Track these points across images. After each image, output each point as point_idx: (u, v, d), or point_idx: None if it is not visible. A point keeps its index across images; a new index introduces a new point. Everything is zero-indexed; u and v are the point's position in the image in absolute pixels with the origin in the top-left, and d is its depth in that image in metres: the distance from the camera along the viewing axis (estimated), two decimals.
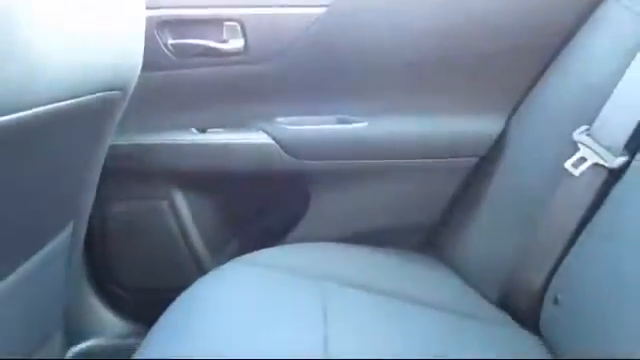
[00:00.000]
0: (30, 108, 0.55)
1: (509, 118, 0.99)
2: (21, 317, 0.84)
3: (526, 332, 0.84)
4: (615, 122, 0.80)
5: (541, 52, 0.96)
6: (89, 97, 0.68)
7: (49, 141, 0.69)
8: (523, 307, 0.86)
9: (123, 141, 0.96)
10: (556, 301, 0.80)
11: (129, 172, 1.01)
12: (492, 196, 0.98)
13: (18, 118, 0.54)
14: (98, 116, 0.77)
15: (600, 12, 0.91)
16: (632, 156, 0.77)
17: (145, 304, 1.05)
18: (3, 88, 0.50)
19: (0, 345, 0.80)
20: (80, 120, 0.72)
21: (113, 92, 0.75)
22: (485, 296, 0.92)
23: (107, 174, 0.89)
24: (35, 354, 0.92)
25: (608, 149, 0.79)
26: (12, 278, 0.74)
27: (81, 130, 0.76)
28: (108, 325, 1.14)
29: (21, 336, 0.87)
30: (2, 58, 0.49)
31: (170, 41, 0.96)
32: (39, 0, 0.55)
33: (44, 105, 0.59)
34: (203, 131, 1.03)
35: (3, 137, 0.54)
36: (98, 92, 0.70)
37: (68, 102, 0.63)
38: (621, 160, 0.77)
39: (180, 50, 0.96)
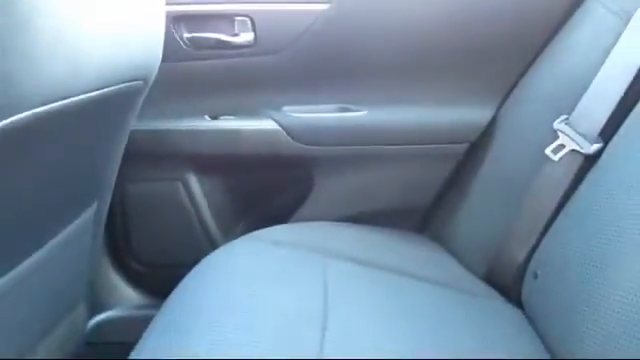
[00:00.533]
0: (68, 98, 0.63)
1: (498, 108, 1.06)
2: (49, 288, 0.91)
3: (509, 304, 0.91)
4: (591, 112, 0.87)
5: (528, 47, 1.03)
6: (115, 87, 0.76)
7: (80, 128, 0.76)
8: (507, 282, 0.93)
9: (142, 126, 1.03)
10: (535, 276, 0.87)
11: (147, 155, 1.08)
12: (481, 180, 1.05)
13: (58, 106, 0.62)
14: (122, 105, 0.84)
15: (582, 10, 0.98)
16: (606, 143, 0.84)
17: (160, 278, 1.12)
18: (51, 81, 0.58)
19: (29, 314, 0.87)
20: (107, 109, 0.79)
21: (136, 82, 0.82)
22: (473, 272, 0.99)
23: (127, 157, 0.95)
24: (60, 323, 0.99)
25: (584, 137, 0.86)
26: (42, 252, 0.81)
27: (107, 117, 0.84)
28: (125, 297, 1.22)
29: (49, 306, 0.94)
30: (50, 54, 0.56)
31: (185, 35, 1.03)
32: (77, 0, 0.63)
33: (78, 95, 0.66)
34: (215, 118, 1.10)
35: (44, 124, 0.62)
36: (124, 83, 0.78)
37: (98, 92, 0.71)
38: (596, 147, 0.84)
39: (195, 43, 1.04)
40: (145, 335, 0.76)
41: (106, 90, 0.74)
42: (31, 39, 0.52)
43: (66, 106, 0.64)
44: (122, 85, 0.77)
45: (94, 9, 0.67)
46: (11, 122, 0.53)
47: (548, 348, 0.79)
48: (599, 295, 0.72)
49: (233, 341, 0.67)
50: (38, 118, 0.59)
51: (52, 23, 0.55)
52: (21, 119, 0.55)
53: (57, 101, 0.60)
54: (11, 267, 0.73)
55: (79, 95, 0.66)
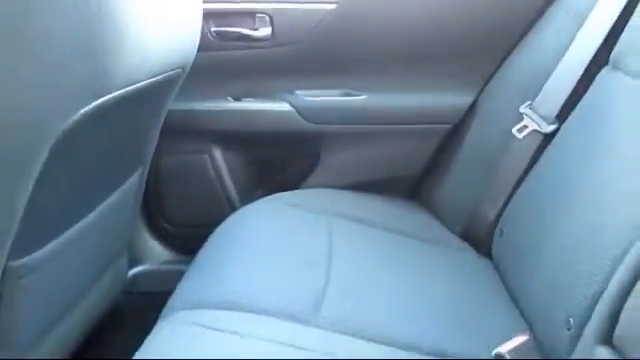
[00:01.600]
0: (137, 83, 0.80)
1: (477, 95, 1.24)
2: (99, 242, 1.06)
3: (480, 256, 1.08)
4: (550, 99, 1.04)
5: (503, 43, 1.21)
6: (166, 74, 0.93)
7: (136, 109, 0.93)
8: (480, 238, 1.10)
9: (175, 107, 1.18)
10: (502, 233, 1.05)
11: (178, 132, 1.24)
12: (461, 155, 1.23)
13: (128, 90, 0.79)
14: (167, 89, 1.01)
15: (547, 14, 1.16)
16: (560, 124, 1.01)
17: (188, 237, 1.30)
18: (128, 68, 0.75)
19: (83, 265, 1.02)
20: (156, 93, 0.96)
21: (179, 70, 1.00)
22: (452, 230, 1.17)
23: (161, 133, 1.12)
24: (105, 273, 1.14)
25: (544, 119, 1.03)
26: (94, 213, 0.95)
27: (154, 100, 1.00)
28: (157, 254, 1.38)
29: (98, 258, 1.10)
30: (128, 47, 0.74)
31: (213, 28, 1.21)
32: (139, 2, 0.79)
33: (142, 81, 0.84)
34: (237, 100, 1.28)
35: (116, 106, 0.79)
36: (172, 70, 0.95)
37: (154, 79, 0.88)
38: (552, 127, 1.01)
39: (220, 36, 1.22)
40: (184, 279, 0.92)
41: (159, 77, 0.91)
42: (120, 36, 0.70)
43: (133, 90, 0.82)
44: (171, 72, 0.95)
45: (151, 8, 0.84)
46: (101, 102, 0.71)
47: (508, 291, 0.97)
48: (548, 246, 0.90)
49: (258, 280, 0.85)
50: (114, 101, 0.77)
51: (126, 20, 0.72)
52: (107, 100, 0.73)
53: (130, 86, 0.78)
54: (70, 225, 0.88)
55: (143, 81, 0.84)
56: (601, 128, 0.89)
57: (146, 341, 0.70)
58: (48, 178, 0.68)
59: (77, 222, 0.87)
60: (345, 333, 0.72)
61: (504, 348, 0.73)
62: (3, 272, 0.70)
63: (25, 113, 0.62)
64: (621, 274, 0.64)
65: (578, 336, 0.68)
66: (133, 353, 0.75)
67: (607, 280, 0.66)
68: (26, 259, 0.74)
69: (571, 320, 0.71)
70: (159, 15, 0.86)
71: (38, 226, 0.73)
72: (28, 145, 0.64)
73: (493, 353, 0.73)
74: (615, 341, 0.62)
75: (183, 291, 0.83)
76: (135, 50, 0.76)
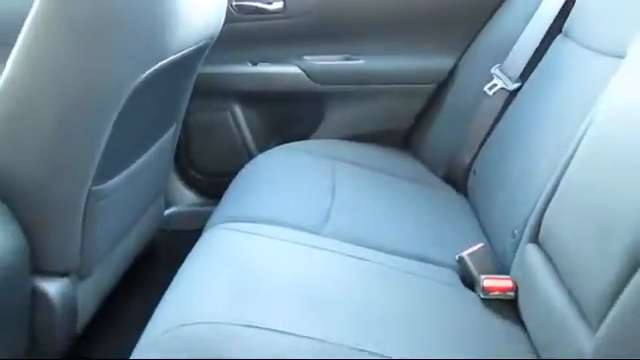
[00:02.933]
0: (183, 50, 1.01)
1: (458, 59, 1.44)
2: (147, 181, 1.25)
3: (458, 194, 1.29)
4: (515, 61, 1.23)
5: (481, 13, 1.40)
6: (202, 43, 1.13)
7: (177, 74, 1.13)
8: (458, 178, 1.31)
9: (202, 71, 1.35)
10: (474, 173, 1.27)
11: (205, 92, 1.42)
12: (444, 110, 1.43)
13: (175, 57, 1.00)
14: (199, 56, 1.20)
15: None
16: (523, 82, 1.21)
17: (212, 183, 1.52)
18: (177, 38, 0.95)
19: (135, 200, 1.20)
20: (190, 59, 1.15)
21: (208, 40, 1.20)
22: (436, 174, 1.37)
23: (191, 93, 1.31)
24: (149, 209, 1.34)
25: (510, 78, 1.23)
26: (143, 158, 1.14)
27: (189, 66, 1.20)
28: (186, 198, 1.59)
29: (146, 194, 1.29)
30: (179, 19, 0.93)
31: (234, 3, 1.40)
32: None
33: (186, 49, 1.04)
34: (255, 64, 1.48)
35: (165, 72, 0.98)
36: (203, 40, 1.15)
37: (193, 47, 1.09)
38: (516, 85, 1.21)
39: (240, 9, 1.42)
40: (220, 205, 1.12)
41: (196, 45, 1.12)
42: (174, 14, 0.90)
43: (179, 57, 1.03)
44: (204, 41, 1.15)
45: None
46: (158, 66, 0.93)
47: (477, 218, 1.18)
48: (507, 180, 1.09)
49: (278, 203, 1.07)
50: (165, 67, 0.98)
51: (177, 1, 0.92)
52: (161, 65, 0.95)
53: (177, 53, 0.99)
54: (130, 164, 1.08)
55: (186, 49, 1.04)
56: (552, 87, 1.10)
57: (196, 245, 0.93)
58: (121, 124, 0.90)
59: (133, 162, 1.09)
60: (344, 240, 0.95)
61: (465, 252, 0.96)
62: (88, 195, 0.92)
63: (110, 75, 0.84)
64: (546, 194, 0.86)
65: (518, 241, 0.91)
66: (166, 281, 0.90)
67: (536, 200, 0.89)
68: (103, 186, 0.96)
69: (515, 231, 0.94)
70: None
71: (111, 160, 0.95)
72: (111, 98, 0.86)
73: (456, 257, 0.96)
74: (539, 240, 0.85)
75: (221, 211, 1.05)
76: (183, 24, 0.97)
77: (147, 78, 0.91)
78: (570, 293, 0.70)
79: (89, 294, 1.06)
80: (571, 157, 0.84)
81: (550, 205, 0.83)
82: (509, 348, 0.76)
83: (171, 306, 0.74)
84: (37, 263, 0.91)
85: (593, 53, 1.00)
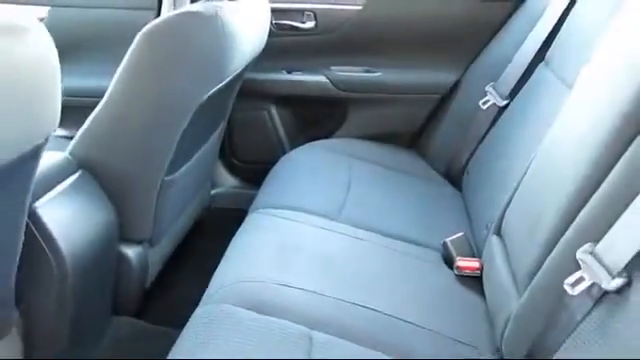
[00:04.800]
0: (239, 69, 1.27)
1: (461, 74, 1.69)
2: (201, 170, 1.50)
3: (454, 190, 1.54)
4: (506, 81, 1.46)
5: (482, 37, 1.66)
6: (250, 60, 1.39)
7: (228, 86, 1.38)
8: (455, 176, 1.56)
9: (246, 76, 1.58)
10: (468, 173, 1.53)
11: (246, 95, 1.65)
12: (447, 117, 1.68)
13: (229, 78, 1.27)
14: (247, 69, 1.47)
15: (514, 18, 1.60)
16: (511, 100, 1.45)
17: (249, 170, 1.81)
18: (237, 59, 1.21)
19: (193, 185, 1.45)
20: (241, 72, 1.42)
21: (256, 55, 1.46)
22: (439, 172, 1.63)
23: (236, 95, 1.59)
24: (200, 190, 1.61)
25: (500, 96, 1.47)
26: (200, 150, 1.40)
27: (238, 77, 1.44)
28: (228, 181, 1.87)
29: (199, 180, 1.53)
30: (233, 50, 1.18)
31: (274, 21, 1.67)
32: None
33: (241, 67, 1.30)
34: (289, 72, 1.74)
35: (224, 88, 1.25)
36: (253, 56, 1.41)
37: (244, 65, 1.35)
38: (505, 102, 1.44)
39: (279, 27, 1.68)
40: (261, 193, 1.39)
41: (247, 62, 1.38)
42: (235, 42, 1.15)
43: (235, 76, 1.29)
44: (254, 57, 1.41)
45: (246, 17, 1.26)
46: (221, 84, 1.20)
47: (466, 211, 1.45)
48: (489, 180, 1.33)
49: (305, 194, 1.35)
50: (225, 85, 1.25)
51: (236, 31, 1.17)
52: (223, 83, 1.22)
53: (235, 72, 1.26)
54: (191, 157, 1.35)
55: (241, 67, 1.31)
56: (529, 108, 1.34)
57: (242, 225, 1.22)
58: (187, 129, 1.19)
59: (193, 156, 1.38)
60: (354, 225, 1.23)
61: (448, 239, 1.22)
62: (161, 183, 1.22)
63: (182, 97, 1.12)
64: (509, 195, 1.12)
65: (489, 232, 1.18)
66: (211, 248, 1.18)
67: (505, 200, 1.15)
68: (171, 176, 1.25)
69: (488, 224, 1.20)
70: (251, 18, 1.31)
71: (178, 156, 1.24)
72: (182, 113, 1.14)
73: (441, 241, 1.23)
74: (501, 232, 1.11)
75: (261, 199, 1.34)
76: (240, 49, 1.22)
77: (210, 95, 1.19)
78: (511, 271, 0.97)
79: (156, 258, 1.36)
80: (528, 167, 1.10)
81: (509, 205, 1.10)
82: (469, 311, 1.04)
83: (228, 269, 1.04)
84: (122, 233, 1.21)
85: (561, 84, 1.24)
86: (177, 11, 1.13)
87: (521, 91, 1.43)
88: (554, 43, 1.38)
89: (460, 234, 1.24)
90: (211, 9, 1.07)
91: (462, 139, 1.57)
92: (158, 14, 1.74)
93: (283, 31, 1.69)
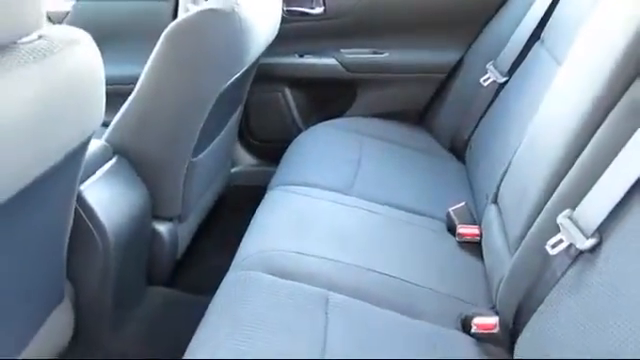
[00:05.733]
0: (255, 57, 1.38)
1: (463, 53, 1.78)
2: (221, 150, 1.61)
3: (459, 163, 1.65)
4: (504, 59, 1.55)
5: (483, 17, 1.73)
6: (265, 46, 1.50)
7: (245, 73, 1.50)
8: (459, 150, 1.66)
9: (261, 61, 1.69)
10: (470, 147, 1.64)
11: (262, 77, 1.75)
12: (451, 95, 1.77)
13: (249, 65, 1.38)
14: (262, 54, 1.58)
15: None
16: (509, 77, 1.55)
17: (265, 148, 1.93)
18: (253, 49, 1.32)
19: (215, 164, 1.56)
20: (257, 59, 1.53)
21: (269, 41, 1.56)
22: (444, 146, 1.73)
23: (252, 79, 1.71)
24: (223, 168, 1.74)
25: (500, 73, 1.57)
26: (221, 133, 1.52)
27: (254, 63, 1.56)
28: (247, 161, 1.98)
29: (221, 159, 1.65)
30: (249, 42, 1.29)
31: (285, 8, 1.76)
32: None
33: (256, 56, 1.41)
34: (301, 56, 1.84)
35: (241, 78, 1.36)
36: (268, 43, 1.52)
37: (259, 53, 1.46)
38: (504, 79, 1.54)
39: (290, 13, 1.77)
40: (278, 171, 1.50)
41: (262, 49, 1.49)
42: (251, 36, 1.26)
43: (251, 64, 1.40)
44: (267, 43, 1.52)
45: (260, 8, 1.35)
46: (239, 75, 1.31)
47: (469, 184, 1.55)
48: (489, 153, 1.44)
49: (319, 170, 1.46)
50: (242, 73, 1.36)
51: (252, 24, 1.26)
52: (241, 73, 1.33)
53: (251, 61, 1.37)
54: (211, 142, 1.46)
55: (257, 56, 1.42)
56: (525, 85, 1.43)
57: (263, 201, 1.35)
58: (210, 115, 1.30)
59: (215, 139, 1.50)
60: (365, 199, 1.34)
61: (451, 209, 1.34)
62: (188, 165, 1.34)
63: (205, 88, 1.23)
64: (506, 167, 1.23)
65: (487, 202, 1.29)
66: (233, 222, 1.32)
67: (504, 173, 1.26)
68: (197, 158, 1.37)
69: (488, 194, 1.31)
70: (265, 10, 1.40)
71: (202, 140, 1.35)
72: (205, 101, 1.25)
73: (447, 210, 1.34)
74: (497, 201, 1.23)
75: (279, 177, 1.45)
76: (255, 40, 1.32)
77: (229, 84, 1.31)
78: (505, 236, 1.09)
79: (184, 233, 1.49)
80: (522, 141, 1.20)
81: (505, 176, 1.21)
82: (469, 273, 1.16)
83: (252, 240, 1.16)
84: (154, 212, 1.34)
85: (553, 62, 1.33)
86: (197, 9, 1.23)
87: (518, 69, 1.51)
88: (549, 23, 1.46)
89: (462, 204, 1.35)
90: (228, 6, 1.18)
91: (465, 115, 1.67)
92: (175, 4, 1.85)
93: (294, 17, 1.78)
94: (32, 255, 0.95)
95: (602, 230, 0.81)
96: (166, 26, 1.20)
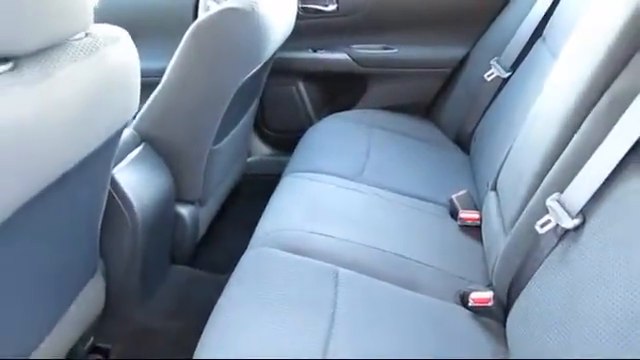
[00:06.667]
0: (269, 56, 1.48)
1: (469, 49, 1.86)
2: (240, 140, 1.71)
3: (464, 154, 1.74)
4: (508, 56, 1.63)
5: (488, 14, 1.81)
6: (282, 42, 1.60)
7: (262, 66, 1.61)
8: (464, 142, 1.75)
9: (276, 55, 1.84)
10: (475, 139, 1.73)
11: (277, 71, 1.82)
12: (456, 89, 1.86)
13: (266, 60, 1.48)
14: (277, 49, 1.68)
15: None
16: (513, 73, 1.64)
17: (280, 139, 2.02)
18: (268, 50, 1.42)
19: (234, 151, 1.66)
20: (274, 53, 1.63)
21: (286, 37, 1.66)
22: (450, 138, 1.82)
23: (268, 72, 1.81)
24: (240, 157, 1.86)
25: (504, 68, 1.66)
26: (239, 123, 1.63)
27: (271, 57, 1.66)
28: (262, 151, 2.09)
29: (240, 148, 1.75)
30: (268, 37, 1.39)
31: (300, 5, 1.85)
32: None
33: (278, 44, 1.50)
34: (315, 51, 1.93)
35: (263, 67, 1.46)
36: (284, 39, 1.61)
37: (277, 47, 1.56)
38: (508, 74, 1.63)
39: (305, 10, 1.85)
40: (292, 160, 1.59)
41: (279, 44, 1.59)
42: (269, 31, 1.35)
43: (270, 57, 1.50)
44: (284, 39, 1.62)
45: (278, 3, 1.46)
46: (259, 66, 1.41)
47: (472, 173, 1.64)
48: (491, 145, 1.53)
49: (329, 159, 1.56)
50: (259, 68, 1.46)
51: (269, 18, 1.36)
52: (257, 68, 1.43)
53: (269, 56, 1.46)
54: (230, 131, 1.56)
55: (273, 50, 1.51)
56: (527, 80, 1.51)
57: (278, 187, 1.45)
58: (229, 107, 1.40)
59: (234, 128, 1.60)
60: (372, 185, 1.44)
61: (454, 195, 1.43)
62: (209, 152, 1.44)
63: (226, 79, 1.33)
64: (504, 156, 1.32)
65: (488, 189, 1.38)
66: (250, 210, 1.41)
67: (502, 162, 1.34)
68: (217, 146, 1.47)
69: (488, 182, 1.40)
70: (282, 7, 1.48)
71: (222, 130, 1.45)
72: (226, 93, 1.35)
73: (449, 197, 1.44)
74: (496, 187, 1.32)
75: (293, 165, 1.55)
76: (273, 36, 1.41)
77: (248, 77, 1.40)
78: (501, 219, 1.18)
79: (204, 216, 1.59)
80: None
81: (503, 165, 1.30)
82: (469, 253, 1.26)
83: (268, 221, 1.26)
84: (177, 195, 1.44)
85: (552, 58, 1.41)
86: (218, 7, 1.33)
87: (521, 65, 1.59)
88: (550, 21, 1.54)
89: (464, 191, 1.44)
90: (248, 5, 1.27)
91: (470, 108, 1.75)
92: (196, 1, 1.95)
93: (308, 14, 1.87)
94: (71, 232, 1.06)
95: (585, 211, 0.90)
96: (186, 23, 1.30)
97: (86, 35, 0.83)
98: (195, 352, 0.92)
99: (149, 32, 1.97)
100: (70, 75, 0.74)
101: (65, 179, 0.86)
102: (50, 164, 0.78)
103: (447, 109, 1.90)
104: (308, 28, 1.88)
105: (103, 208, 1.15)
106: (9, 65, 0.68)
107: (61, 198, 0.92)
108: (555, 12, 1.54)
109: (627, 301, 0.74)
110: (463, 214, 1.35)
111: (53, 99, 0.70)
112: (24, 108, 0.65)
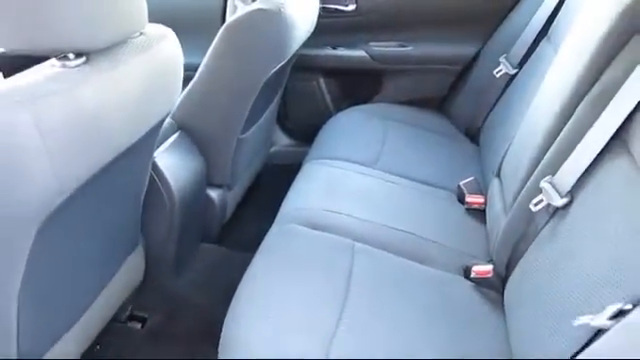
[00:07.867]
0: (299, 44, 1.61)
1: (480, 47, 1.97)
2: (263, 131, 1.83)
3: (474, 145, 1.85)
4: (516, 53, 1.74)
5: (498, 15, 1.92)
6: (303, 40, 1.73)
7: (289, 60, 1.74)
8: (474, 134, 1.87)
9: (298, 52, 1.96)
10: (484, 131, 1.83)
11: (299, 67, 1.94)
12: (467, 85, 1.97)
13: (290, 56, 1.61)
14: (301, 46, 1.80)
15: None
16: (519, 70, 1.75)
17: (301, 131, 2.15)
18: (294, 45, 1.56)
19: (258, 141, 1.79)
20: (297, 50, 1.76)
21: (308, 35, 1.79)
22: (461, 131, 1.93)
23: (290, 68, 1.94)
24: (264, 146, 1.99)
25: (512, 65, 1.77)
26: (263, 117, 1.75)
27: (294, 54, 1.80)
28: (284, 141, 2.21)
29: (264, 139, 1.89)
30: (294, 37, 1.53)
31: (320, 5, 1.97)
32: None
33: (301, 44, 1.63)
34: (334, 48, 2.05)
35: (286, 63, 1.59)
36: (307, 37, 1.74)
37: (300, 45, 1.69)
38: (515, 71, 1.74)
39: (325, 9, 1.97)
40: (312, 148, 1.72)
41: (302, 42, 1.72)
42: (294, 31, 1.49)
43: (294, 53, 1.64)
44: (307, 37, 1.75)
45: (302, 5, 1.59)
46: (284, 62, 1.55)
47: (480, 162, 1.76)
48: (500, 136, 1.66)
49: (347, 147, 1.69)
50: (282, 65, 1.59)
51: (295, 18, 1.50)
52: (288, 59, 1.56)
53: (294, 51, 1.60)
54: (256, 122, 1.69)
55: (297, 48, 1.65)
56: (532, 76, 1.62)
57: (300, 173, 1.58)
58: (256, 99, 1.54)
59: (259, 119, 1.74)
60: (387, 172, 1.57)
61: (462, 182, 1.55)
62: (237, 141, 1.58)
63: (255, 75, 1.46)
64: (509, 146, 1.44)
65: (493, 176, 1.50)
66: (273, 195, 1.54)
67: (506, 151, 1.46)
68: (243, 135, 1.61)
69: (494, 170, 1.52)
70: (306, 7, 1.61)
71: (248, 120, 1.59)
72: (254, 88, 1.49)
73: (457, 184, 1.56)
74: (500, 174, 1.44)
75: (313, 153, 1.69)
76: (298, 35, 1.54)
77: (273, 72, 1.54)
78: (503, 201, 1.30)
79: (231, 200, 1.73)
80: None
81: (506, 153, 1.42)
82: (473, 233, 1.38)
83: (291, 201, 1.40)
84: (208, 179, 1.59)
85: (555, 56, 1.52)
86: (246, 7, 1.46)
87: (527, 62, 1.71)
88: (555, 20, 1.66)
89: (471, 178, 1.56)
90: (275, 7, 1.41)
91: (480, 103, 1.86)
92: (224, 2, 2.09)
93: (329, 13, 1.98)
94: (117, 209, 1.20)
95: (573, 191, 1.02)
96: (215, 22, 1.43)
97: (140, 34, 0.97)
98: (229, 308, 1.06)
99: (181, 31, 2.11)
100: (132, 68, 0.88)
101: (119, 159, 1.00)
102: (111, 145, 0.93)
103: (458, 103, 2.01)
104: (328, 27, 1.99)
105: (145, 187, 1.29)
106: (83, 59, 0.83)
107: (114, 176, 1.07)
108: (560, 12, 1.64)
109: (597, 269, 0.86)
110: (469, 198, 1.47)
111: (120, 88, 0.84)
112: (101, 94, 0.79)
